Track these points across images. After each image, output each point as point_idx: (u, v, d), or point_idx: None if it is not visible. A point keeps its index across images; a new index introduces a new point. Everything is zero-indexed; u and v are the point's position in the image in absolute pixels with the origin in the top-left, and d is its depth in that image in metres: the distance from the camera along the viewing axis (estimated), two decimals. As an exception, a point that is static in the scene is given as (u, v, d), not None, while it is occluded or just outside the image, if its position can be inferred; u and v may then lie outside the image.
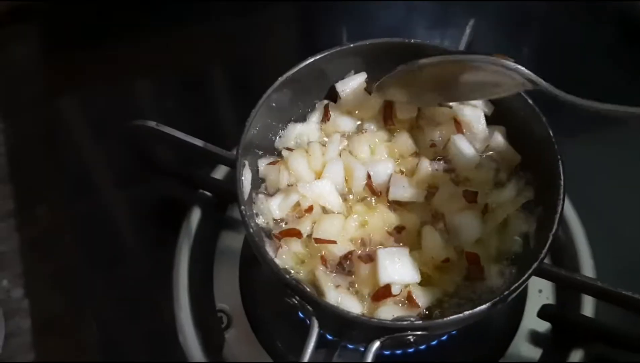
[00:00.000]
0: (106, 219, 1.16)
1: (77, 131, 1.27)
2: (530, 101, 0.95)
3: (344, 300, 0.86)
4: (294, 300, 0.84)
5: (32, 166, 1.24)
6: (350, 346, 0.96)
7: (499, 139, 0.99)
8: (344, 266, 0.90)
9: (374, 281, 0.88)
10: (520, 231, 0.93)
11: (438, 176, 0.98)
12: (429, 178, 0.98)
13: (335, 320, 0.82)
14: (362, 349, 0.81)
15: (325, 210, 0.95)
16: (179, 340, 0.99)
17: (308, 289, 0.82)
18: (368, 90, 1.04)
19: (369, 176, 0.97)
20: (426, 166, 0.98)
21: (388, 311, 0.86)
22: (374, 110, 1.05)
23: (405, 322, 0.81)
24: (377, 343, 0.80)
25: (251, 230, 0.85)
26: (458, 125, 1.01)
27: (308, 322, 0.95)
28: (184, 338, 0.99)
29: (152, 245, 1.13)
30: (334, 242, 0.91)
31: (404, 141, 1.01)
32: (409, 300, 0.87)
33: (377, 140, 1.02)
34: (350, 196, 0.98)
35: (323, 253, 0.90)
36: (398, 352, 0.97)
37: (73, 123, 1.28)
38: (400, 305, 0.87)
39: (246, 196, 0.92)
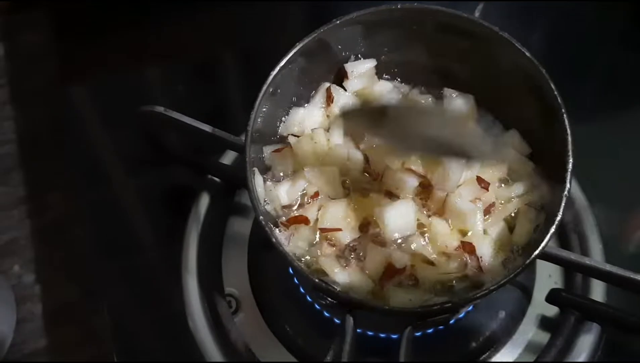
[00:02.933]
0: (116, 206, 1.17)
1: (88, 119, 1.27)
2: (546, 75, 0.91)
3: (353, 277, 0.87)
4: (323, 301, 0.86)
5: (43, 153, 1.25)
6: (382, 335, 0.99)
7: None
8: (351, 252, 0.91)
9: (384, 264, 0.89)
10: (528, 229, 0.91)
11: None
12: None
13: (372, 314, 0.83)
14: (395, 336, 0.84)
15: (330, 197, 0.95)
16: (188, 325, 1.00)
17: (338, 289, 0.83)
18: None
19: (367, 160, 0.97)
20: None
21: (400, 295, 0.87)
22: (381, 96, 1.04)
23: (436, 306, 0.82)
24: (410, 329, 0.83)
25: (280, 248, 0.84)
26: None
27: (337, 321, 0.97)
28: (194, 323, 1.00)
29: (162, 230, 1.14)
30: (340, 229, 0.91)
31: None
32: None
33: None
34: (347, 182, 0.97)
35: (329, 236, 0.91)
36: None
37: (84, 111, 1.28)
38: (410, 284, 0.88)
39: (259, 189, 0.91)
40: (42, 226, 1.17)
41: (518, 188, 0.95)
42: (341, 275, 0.87)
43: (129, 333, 1.05)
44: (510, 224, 0.93)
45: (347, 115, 0.94)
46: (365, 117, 0.89)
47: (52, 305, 1.11)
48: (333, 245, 0.91)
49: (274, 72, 0.93)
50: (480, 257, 0.89)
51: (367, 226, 0.92)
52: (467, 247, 0.89)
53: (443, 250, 0.90)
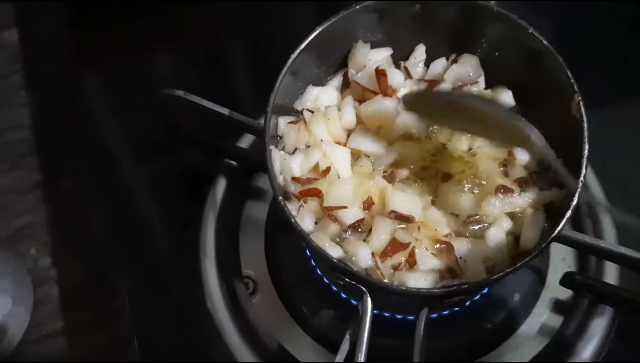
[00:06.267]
0: (133, 191, 1.18)
1: (102, 104, 1.27)
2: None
3: (354, 250, 0.88)
4: (340, 282, 0.87)
5: (58, 138, 1.25)
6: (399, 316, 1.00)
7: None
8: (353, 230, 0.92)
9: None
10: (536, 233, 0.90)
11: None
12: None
13: (391, 295, 0.86)
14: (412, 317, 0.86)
15: (338, 176, 0.96)
16: (207, 307, 1.01)
17: (355, 269, 0.84)
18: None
19: None
20: None
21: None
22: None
23: (452, 288, 0.83)
24: (426, 310, 0.84)
25: (299, 228, 0.85)
26: None
27: (354, 302, 0.99)
28: (212, 305, 1.01)
29: (179, 214, 1.14)
30: (345, 207, 0.91)
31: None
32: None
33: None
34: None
35: (331, 214, 0.91)
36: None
37: (97, 96, 1.28)
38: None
39: (277, 170, 0.92)
40: (57, 210, 1.18)
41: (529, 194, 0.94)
42: (337, 251, 0.88)
43: (147, 316, 1.06)
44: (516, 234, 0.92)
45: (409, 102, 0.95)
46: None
47: (68, 288, 1.11)
48: (336, 221, 0.91)
49: (293, 56, 0.93)
50: (460, 257, 0.88)
51: (370, 205, 0.93)
52: (446, 246, 0.89)
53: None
